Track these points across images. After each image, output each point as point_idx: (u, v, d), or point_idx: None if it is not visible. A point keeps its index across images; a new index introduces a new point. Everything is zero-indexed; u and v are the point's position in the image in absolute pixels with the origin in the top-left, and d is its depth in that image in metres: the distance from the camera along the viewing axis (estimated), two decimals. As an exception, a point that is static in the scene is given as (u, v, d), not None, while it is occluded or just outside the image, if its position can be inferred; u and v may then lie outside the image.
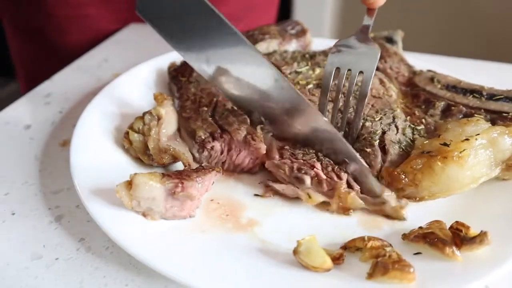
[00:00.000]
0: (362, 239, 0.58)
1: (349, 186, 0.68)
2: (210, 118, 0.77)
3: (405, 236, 0.61)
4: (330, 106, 0.76)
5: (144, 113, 0.75)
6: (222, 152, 0.74)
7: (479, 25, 2.34)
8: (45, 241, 0.63)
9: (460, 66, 1.10)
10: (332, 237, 0.63)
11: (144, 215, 0.62)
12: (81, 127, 0.76)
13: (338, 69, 0.72)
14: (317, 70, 0.88)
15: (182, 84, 0.86)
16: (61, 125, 0.87)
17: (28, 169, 0.75)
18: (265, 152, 0.72)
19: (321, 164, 0.69)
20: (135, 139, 0.73)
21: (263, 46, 0.97)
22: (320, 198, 0.67)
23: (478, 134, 0.66)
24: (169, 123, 0.76)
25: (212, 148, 0.73)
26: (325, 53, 0.94)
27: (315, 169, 0.68)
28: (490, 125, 0.70)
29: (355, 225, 0.65)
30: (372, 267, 0.55)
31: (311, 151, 0.71)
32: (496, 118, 0.74)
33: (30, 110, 0.91)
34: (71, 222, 0.66)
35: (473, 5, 2.31)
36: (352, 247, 0.59)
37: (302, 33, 1.03)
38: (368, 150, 0.70)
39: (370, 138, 0.72)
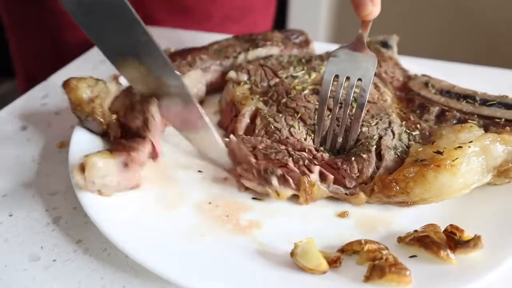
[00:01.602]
0: (359, 242, 0.59)
1: (323, 177, 0.69)
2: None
3: (400, 239, 0.62)
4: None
5: (98, 80, 0.77)
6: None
7: (475, 30, 2.36)
8: (43, 243, 0.63)
9: (455, 70, 1.11)
10: (330, 240, 0.63)
11: (99, 193, 0.64)
12: (80, 128, 0.76)
13: (336, 76, 0.72)
14: (313, 75, 0.89)
15: None
16: (58, 127, 0.86)
17: (25, 171, 0.75)
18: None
19: (292, 159, 0.70)
20: (84, 91, 0.75)
21: (262, 52, 0.97)
22: (289, 192, 0.69)
23: (471, 142, 0.67)
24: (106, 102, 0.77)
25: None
26: (321, 57, 0.94)
27: (282, 167, 0.69)
28: (483, 131, 0.71)
29: (353, 228, 0.66)
30: (369, 270, 0.56)
31: (282, 147, 0.72)
32: (489, 124, 0.75)
33: (26, 112, 0.90)
34: (69, 223, 0.66)
35: (469, 9, 2.33)
36: (349, 250, 0.59)
37: (305, 43, 1.03)
38: (364, 156, 0.70)
39: (367, 144, 0.72)
